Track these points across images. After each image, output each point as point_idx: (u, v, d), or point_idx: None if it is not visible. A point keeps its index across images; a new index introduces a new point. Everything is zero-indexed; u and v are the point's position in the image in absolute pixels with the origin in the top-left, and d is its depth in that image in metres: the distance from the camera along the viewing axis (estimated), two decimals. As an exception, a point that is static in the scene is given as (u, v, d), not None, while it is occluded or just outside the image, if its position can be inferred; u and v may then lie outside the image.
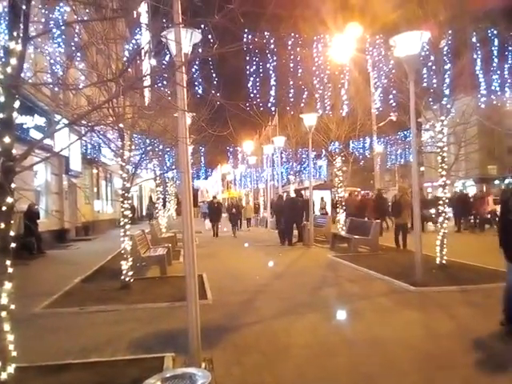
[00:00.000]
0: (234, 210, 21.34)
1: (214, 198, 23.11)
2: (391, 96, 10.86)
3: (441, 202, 9.51)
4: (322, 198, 25.48)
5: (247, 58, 14.23)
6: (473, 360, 4.62)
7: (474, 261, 9.83)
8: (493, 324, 5.66)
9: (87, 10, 6.86)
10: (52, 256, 14.13)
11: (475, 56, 9.66)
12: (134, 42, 7.14)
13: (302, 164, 29.73)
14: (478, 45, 9.62)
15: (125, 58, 6.93)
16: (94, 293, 8.17)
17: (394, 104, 11.28)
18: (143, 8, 10.10)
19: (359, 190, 33.04)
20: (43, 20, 6.88)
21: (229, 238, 19.77)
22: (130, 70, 8.11)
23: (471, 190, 38.97)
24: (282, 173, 29.54)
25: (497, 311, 6.28)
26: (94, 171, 24.14)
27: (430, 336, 5.45)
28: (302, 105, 15.69)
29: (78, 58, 7.59)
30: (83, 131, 8.94)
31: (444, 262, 9.29)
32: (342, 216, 15.96)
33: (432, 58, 9.10)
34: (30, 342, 4.79)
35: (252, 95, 14.92)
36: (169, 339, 5.42)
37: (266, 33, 11.41)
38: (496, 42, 10.90)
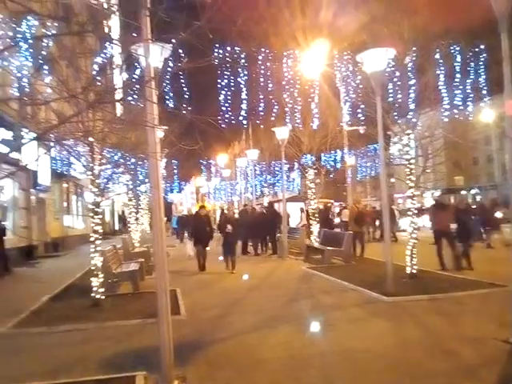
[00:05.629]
0: (229, 226, 12.79)
1: (202, 207, 15.22)
2: (359, 110, 11.12)
3: (410, 213, 9.74)
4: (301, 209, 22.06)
5: (218, 72, 14.33)
6: (443, 368, 4.70)
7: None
8: (462, 331, 5.82)
9: (56, 24, 6.78)
10: (19, 274, 13.64)
11: (438, 72, 10.02)
12: (103, 55, 7.09)
13: (276, 176, 29.93)
14: (440, 61, 9.97)
15: (94, 72, 6.87)
16: (63, 311, 7.93)
17: (362, 118, 11.55)
18: (114, 22, 10.05)
19: (332, 201, 33.47)
20: (10, 33, 6.75)
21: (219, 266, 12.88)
22: (99, 83, 8.04)
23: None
24: (255, 185, 29.62)
25: (466, 319, 6.47)
26: (64, 185, 23.56)
27: (401, 345, 5.52)
28: (273, 118, 15.88)
29: (46, 72, 7.47)
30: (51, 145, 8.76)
31: (414, 271, 9.47)
32: (315, 228, 16.09)
33: (397, 73, 9.41)
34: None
35: (224, 109, 14.96)
36: (140, 357, 5.30)
37: (236, 48, 11.59)
38: (458, 58, 11.31)
